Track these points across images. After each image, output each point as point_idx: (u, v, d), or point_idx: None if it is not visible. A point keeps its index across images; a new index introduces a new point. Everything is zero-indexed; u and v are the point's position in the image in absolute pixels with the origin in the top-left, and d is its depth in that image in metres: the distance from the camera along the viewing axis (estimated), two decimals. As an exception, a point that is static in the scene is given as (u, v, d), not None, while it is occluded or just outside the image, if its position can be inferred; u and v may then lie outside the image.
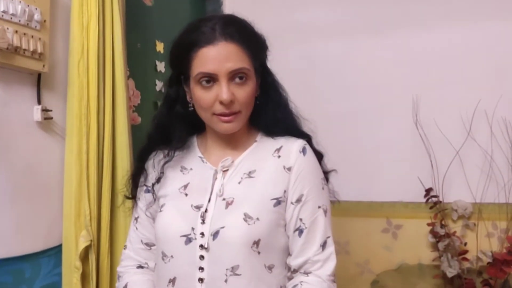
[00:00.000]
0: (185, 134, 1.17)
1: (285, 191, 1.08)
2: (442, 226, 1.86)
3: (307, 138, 1.16)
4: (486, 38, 1.87)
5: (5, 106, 1.19)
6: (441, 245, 1.84)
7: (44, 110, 1.27)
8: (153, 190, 1.15)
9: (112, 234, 1.37)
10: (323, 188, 1.11)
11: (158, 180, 1.15)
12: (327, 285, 1.05)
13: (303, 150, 1.11)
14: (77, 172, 1.30)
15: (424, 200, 1.90)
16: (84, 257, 1.31)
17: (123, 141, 1.40)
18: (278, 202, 1.07)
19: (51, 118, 1.30)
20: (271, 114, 1.14)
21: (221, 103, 1.04)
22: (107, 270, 1.34)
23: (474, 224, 1.86)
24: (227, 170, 1.11)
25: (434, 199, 1.88)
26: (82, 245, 1.29)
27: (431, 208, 1.90)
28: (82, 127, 1.30)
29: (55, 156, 1.33)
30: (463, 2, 1.90)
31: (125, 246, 1.23)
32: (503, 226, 1.83)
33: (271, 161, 1.11)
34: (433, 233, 1.87)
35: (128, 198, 1.24)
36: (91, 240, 1.30)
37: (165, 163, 1.15)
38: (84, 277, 1.31)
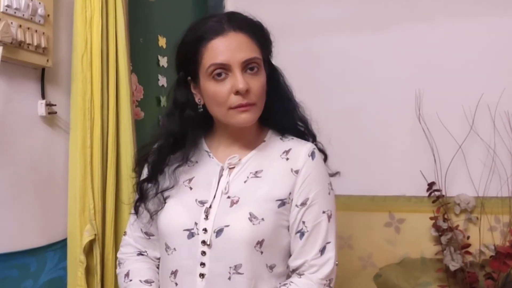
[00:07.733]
0: (197, 137, 1.15)
1: (290, 193, 1.06)
2: (445, 220, 1.86)
3: (314, 139, 1.16)
4: (488, 32, 1.86)
5: (9, 101, 1.19)
6: (444, 239, 1.84)
7: (48, 104, 1.28)
8: (162, 194, 1.11)
9: (117, 228, 1.38)
10: (329, 193, 1.10)
11: (172, 187, 1.12)
12: None
13: (312, 154, 1.09)
14: (82, 166, 1.31)
15: (426, 194, 1.90)
16: (89, 251, 1.31)
17: (127, 135, 1.41)
18: (283, 203, 1.06)
19: (55, 112, 1.30)
20: (281, 108, 1.13)
21: (237, 93, 1.02)
22: (112, 264, 1.35)
23: (477, 218, 1.86)
24: (233, 167, 1.10)
25: (437, 193, 1.88)
26: (86, 239, 1.29)
27: (433, 202, 1.89)
28: (86, 122, 1.31)
29: (59, 150, 1.33)
30: (466, -5, 1.90)
31: (125, 232, 1.23)
32: (505, 219, 1.83)
33: (278, 162, 1.09)
34: (436, 227, 1.87)
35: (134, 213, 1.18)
36: (95, 234, 1.31)
37: (178, 167, 1.12)
38: (89, 271, 1.31)
